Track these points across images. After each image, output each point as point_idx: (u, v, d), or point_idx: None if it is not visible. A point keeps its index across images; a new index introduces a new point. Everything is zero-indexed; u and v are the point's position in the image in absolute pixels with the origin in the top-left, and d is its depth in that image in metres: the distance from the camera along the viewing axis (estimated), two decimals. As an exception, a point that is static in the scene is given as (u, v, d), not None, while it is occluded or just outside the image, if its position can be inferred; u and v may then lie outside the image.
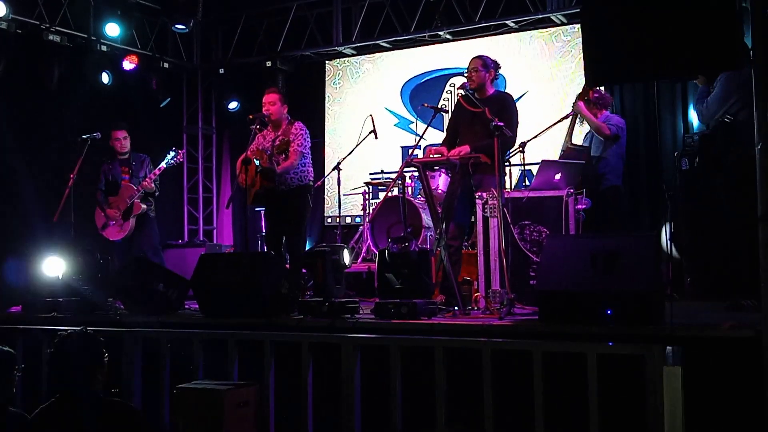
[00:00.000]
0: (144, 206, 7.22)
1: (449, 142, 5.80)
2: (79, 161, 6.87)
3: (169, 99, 9.71)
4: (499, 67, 5.80)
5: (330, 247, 5.19)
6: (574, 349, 3.91)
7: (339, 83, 10.10)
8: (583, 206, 5.90)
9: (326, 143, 9.96)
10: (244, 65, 10.30)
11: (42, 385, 5.15)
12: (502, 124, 5.19)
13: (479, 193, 5.44)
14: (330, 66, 10.16)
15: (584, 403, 3.82)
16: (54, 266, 5.82)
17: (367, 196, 8.52)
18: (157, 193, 7.43)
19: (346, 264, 5.12)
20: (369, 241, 7.87)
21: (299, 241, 6.21)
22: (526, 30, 8.93)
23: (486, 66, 5.69)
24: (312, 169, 6.37)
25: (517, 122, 5.64)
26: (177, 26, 9.38)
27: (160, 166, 7.30)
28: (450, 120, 5.96)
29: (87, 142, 6.89)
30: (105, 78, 8.85)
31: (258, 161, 5.96)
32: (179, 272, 6.02)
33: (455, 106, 5.99)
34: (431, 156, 5.68)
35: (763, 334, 3.40)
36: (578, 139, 6.87)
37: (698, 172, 5.61)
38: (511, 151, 6.23)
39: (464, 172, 5.51)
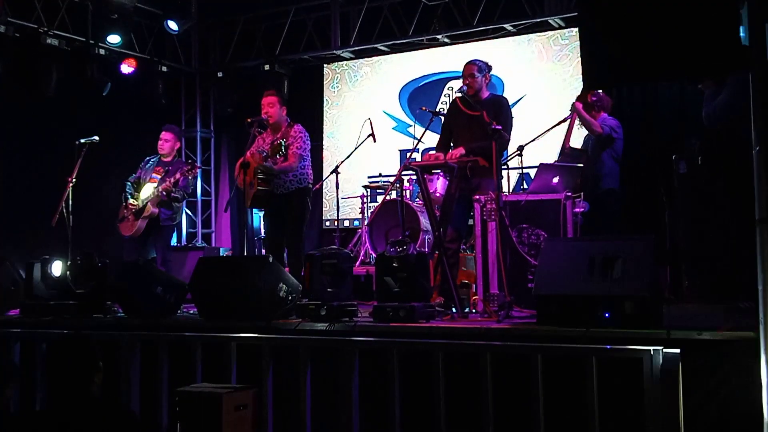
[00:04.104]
0: (155, 210, 6.92)
1: (444, 144, 5.81)
2: (77, 165, 6.86)
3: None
4: (491, 68, 5.81)
5: (321, 251, 5.16)
6: (573, 352, 3.91)
7: (337, 87, 10.10)
8: (581, 209, 5.89)
9: (324, 147, 9.96)
10: (242, 69, 10.30)
11: (40, 389, 5.14)
12: (500, 127, 5.20)
13: (477, 197, 5.45)
14: (328, 69, 10.17)
15: (583, 406, 3.83)
16: (52, 269, 5.81)
17: (365, 200, 8.53)
18: (177, 204, 7.12)
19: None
20: (367, 244, 7.87)
21: (299, 244, 6.20)
22: (523, 34, 8.95)
23: (481, 70, 5.70)
24: (311, 171, 6.36)
25: (512, 125, 5.66)
26: (169, 27, 9.36)
27: (176, 176, 6.90)
28: (445, 121, 5.95)
29: (85, 146, 6.88)
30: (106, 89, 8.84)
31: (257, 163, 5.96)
32: (178, 276, 6.02)
33: (451, 107, 5.99)
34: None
35: (761, 336, 3.40)
36: (577, 142, 6.88)
37: (699, 175, 5.60)
38: (509, 154, 6.23)
39: (462, 175, 5.51)
